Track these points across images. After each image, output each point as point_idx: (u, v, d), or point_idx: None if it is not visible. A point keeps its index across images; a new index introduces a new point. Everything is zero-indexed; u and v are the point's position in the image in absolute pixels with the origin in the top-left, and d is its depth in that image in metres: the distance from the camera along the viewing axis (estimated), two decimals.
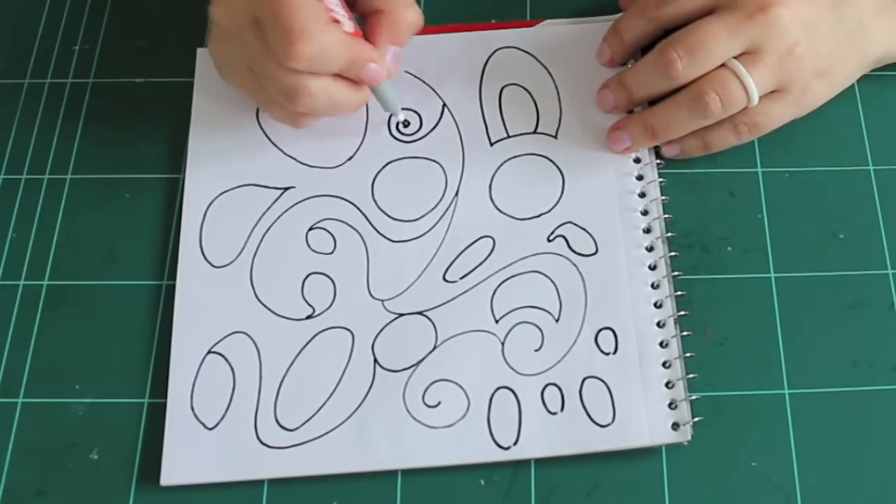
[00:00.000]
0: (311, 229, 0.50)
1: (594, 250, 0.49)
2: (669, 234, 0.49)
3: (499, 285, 0.49)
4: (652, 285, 0.48)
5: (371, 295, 0.48)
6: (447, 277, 0.49)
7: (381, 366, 0.47)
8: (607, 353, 0.47)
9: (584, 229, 0.50)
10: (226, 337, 0.47)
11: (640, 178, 0.51)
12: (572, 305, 0.48)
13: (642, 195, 0.51)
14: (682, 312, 0.48)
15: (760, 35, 0.47)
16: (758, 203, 0.51)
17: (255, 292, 0.48)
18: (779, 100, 0.49)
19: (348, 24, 0.46)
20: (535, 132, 0.52)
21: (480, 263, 0.49)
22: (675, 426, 0.46)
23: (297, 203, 0.51)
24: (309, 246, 0.50)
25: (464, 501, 0.45)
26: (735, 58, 0.47)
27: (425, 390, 0.46)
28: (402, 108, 0.53)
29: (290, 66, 0.43)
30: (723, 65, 0.47)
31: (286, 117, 0.49)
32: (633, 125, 0.51)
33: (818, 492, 0.45)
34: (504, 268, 0.49)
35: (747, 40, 0.47)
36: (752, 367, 0.48)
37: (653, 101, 0.51)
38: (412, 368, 0.47)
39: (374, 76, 0.47)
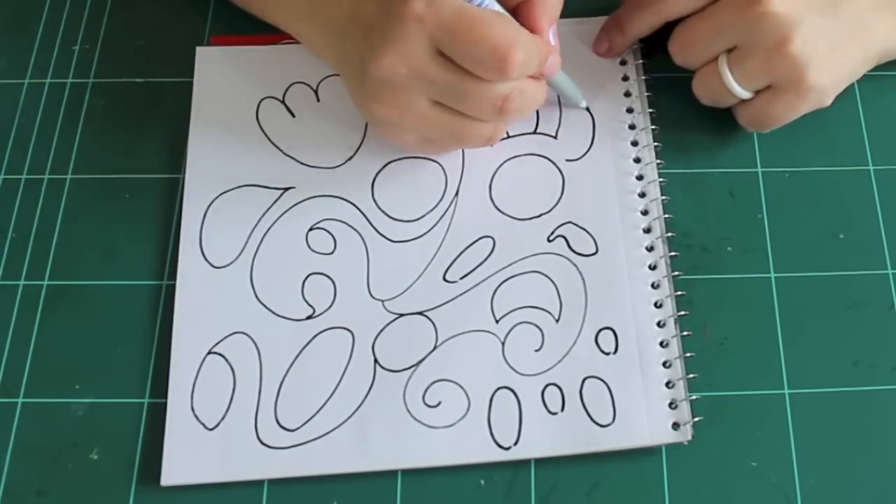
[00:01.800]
0: (311, 229, 0.50)
1: (594, 250, 0.49)
2: (669, 234, 0.49)
3: (499, 285, 0.49)
4: (652, 285, 0.48)
5: (371, 295, 0.48)
6: (447, 277, 0.49)
7: (381, 366, 0.47)
8: (607, 353, 0.47)
9: (584, 229, 0.50)
10: (226, 337, 0.47)
11: (640, 178, 0.51)
12: (572, 305, 0.48)
13: (642, 195, 0.51)
14: (683, 312, 0.48)
15: (747, 31, 0.47)
16: (758, 203, 0.51)
17: (255, 293, 0.48)
18: (776, 98, 0.48)
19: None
20: (535, 132, 0.52)
21: (480, 263, 0.49)
22: (676, 426, 0.46)
23: (297, 203, 0.51)
24: (309, 246, 0.50)
25: (464, 501, 0.45)
26: (730, 51, 0.48)
27: (426, 390, 0.46)
28: None
29: (506, 77, 0.43)
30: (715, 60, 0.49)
31: (485, 135, 0.47)
32: None
33: (818, 492, 0.45)
34: (504, 268, 0.49)
35: (735, 36, 0.47)
36: (752, 367, 0.48)
37: None
38: (412, 368, 0.47)
39: (554, 67, 0.48)
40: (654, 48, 0.53)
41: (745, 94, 0.48)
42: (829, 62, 0.48)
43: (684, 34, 0.49)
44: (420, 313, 0.48)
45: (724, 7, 0.47)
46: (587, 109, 0.53)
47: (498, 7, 0.44)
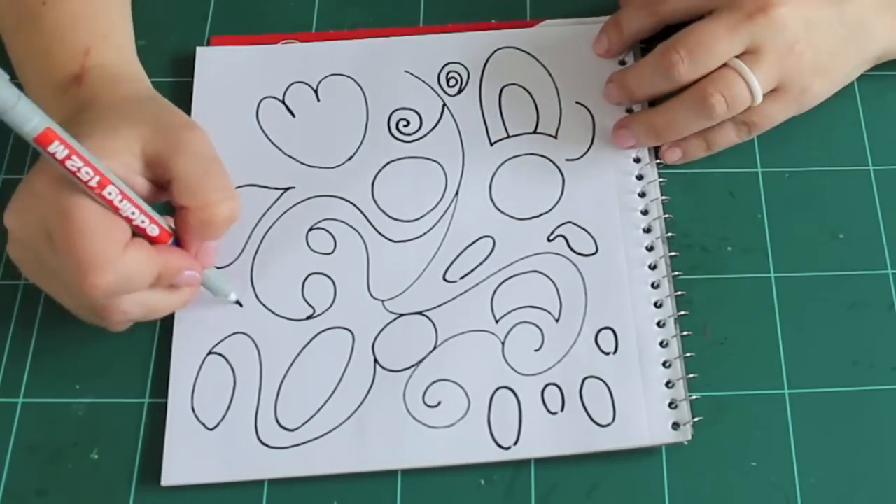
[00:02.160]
0: (311, 229, 0.50)
1: (594, 250, 0.49)
2: (669, 234, 0.49)
3: (499, 285, 0.49)
4: (652, 285, 0.48)
5: (371, 295, 0.48)
6: (447, 277, 0.49)
7: (381, 366, 0.47)
8: (607, 353, 0.47)
9: (584, 229, 0.50)
10: (226, 337, 0.47)
11: (640, 177, 0.51)
12: (572, 305, 0.48)
13: (642, 195, 0.51)
14: (682, 312, 0.48)
15: (760, 34, 0.47)
16: (758, 203, 0.51)
17: (255, 293, 0.48)
18: (778, 99, 0.49)
19: (153, 228, 0.42)
20: (535, 132, 0.52)
21: (480, 263, 0.49)
22: (676, 426, 0.46)
23: (297, 203, 0.51)
24: (309, 246, 0.50)
25: (464, 501, 0.45)
26: (737, 57, 0.47)
27: (425, 390, 0.46)
28: (402, 108, 0.53)
29: (88, 298, 0.40)
30: (725, 65, 0.47)
31: (100, 324, 0.44)
32: (637, 125, 0.51)
33: (818, 492, 0.45)
34: (504, 268, 0.49)
35: (747, 40, 0.47)
36: (752, 367, 0.48)
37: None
38: (412, 368, 0.47)
39: (189, 281, 0.44)
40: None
41: (761, 96, 0.48)
42: (828, 64, 0.48)
43: (694, 38, 0.47)
44: (420, 313, 0.48)
45: (733, 11, 0.47)
46: (587, 109, 0.53)
47: (139, 210, 0.41)
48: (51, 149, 0.37)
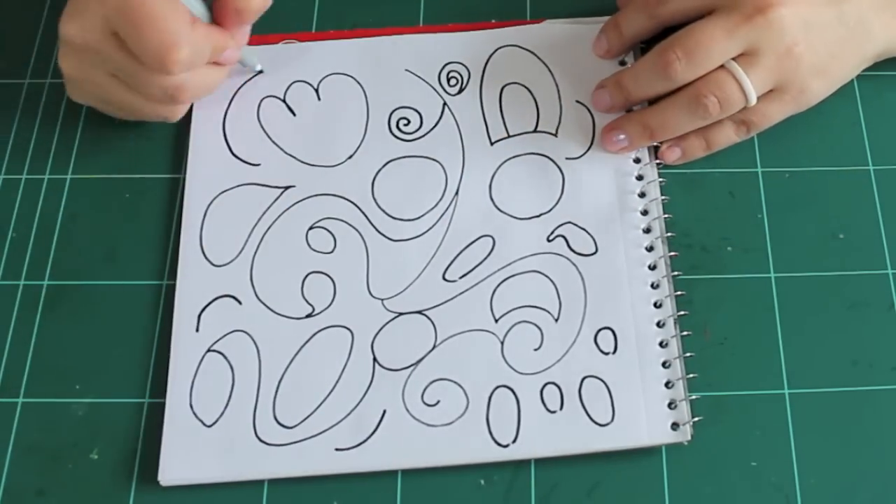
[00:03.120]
0: (311, 228, 0.50)
1: (594, 250, 0.49)
2: (669, 234, 0.49)
3: (498, 285, 0.49)
4: (652, 285, 0.48)
5: (371, 294, 0.48)
6: (447, 276, 0.49)
7: (380, 365, 0.47)
8: (607, 353, 0.47)
9: (583, 229, 0.50)
10: (226, 335, 0.47)
11: (640, 177, 0.51)
12: (572, 305, 0.48)
13: (642, 195, 0.51)
14: (682, 312, 0.48)
15: (759, 36, 0.47)
16: (758, 203, 0.51)
17: (255, 291, 0.48)
18: (776, 99, 0.49)
19: (205, 15, 0.48)
20: (535, 131, 0.52)
21: (480, 263, 0.49)
22: (675, 426, 0.45)
23: (297, 202, 0.51)
24: (309, 245, 0.50)
25: (464, 501, 0.45)
26: (734, 59, 0.47)
27: (425, 389, 0.46)
28: (403, 107, 0.53)
29: (170, 73, 0.45)
30: (721, 66, 0.48)
31: (162, 115, 0.50)
32: (630, 125, 0.51)
33: (818, 492, 0.45)
34: (504, 267, 0.49)
35: (746, 41, 0.47)
36: (752, 367, 0.48)
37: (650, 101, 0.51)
38: (412, 367, 0.47)
39: (232, 59, 0.50)
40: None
41: (755, 98, 0.48)
42: (826, 64, 0.48)
43: (692, 39, 0.47)
44: (419, 312, 0.48)
45: (732, 12, 0.47)
46: (588, 108, 0.53)
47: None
48: None
